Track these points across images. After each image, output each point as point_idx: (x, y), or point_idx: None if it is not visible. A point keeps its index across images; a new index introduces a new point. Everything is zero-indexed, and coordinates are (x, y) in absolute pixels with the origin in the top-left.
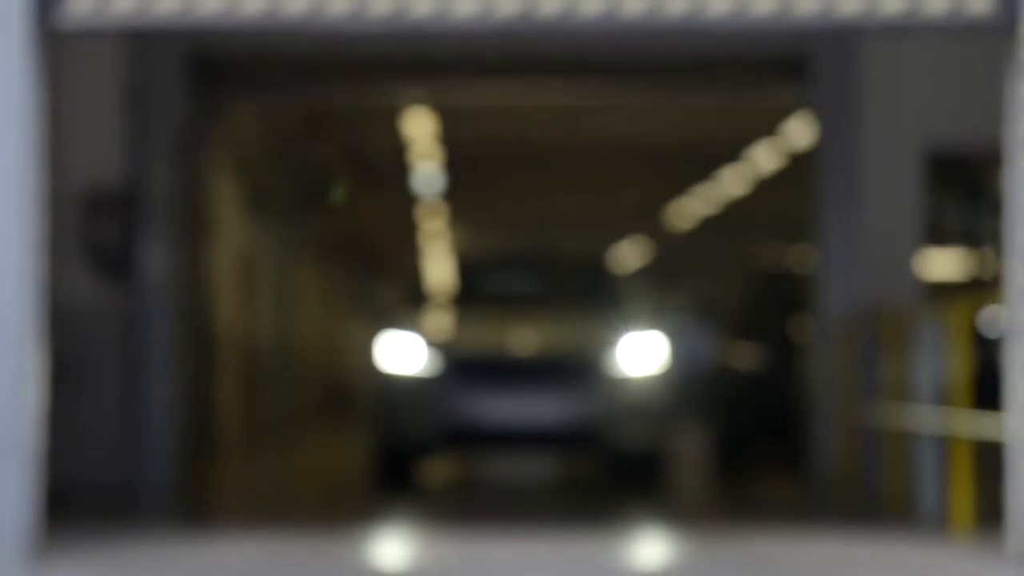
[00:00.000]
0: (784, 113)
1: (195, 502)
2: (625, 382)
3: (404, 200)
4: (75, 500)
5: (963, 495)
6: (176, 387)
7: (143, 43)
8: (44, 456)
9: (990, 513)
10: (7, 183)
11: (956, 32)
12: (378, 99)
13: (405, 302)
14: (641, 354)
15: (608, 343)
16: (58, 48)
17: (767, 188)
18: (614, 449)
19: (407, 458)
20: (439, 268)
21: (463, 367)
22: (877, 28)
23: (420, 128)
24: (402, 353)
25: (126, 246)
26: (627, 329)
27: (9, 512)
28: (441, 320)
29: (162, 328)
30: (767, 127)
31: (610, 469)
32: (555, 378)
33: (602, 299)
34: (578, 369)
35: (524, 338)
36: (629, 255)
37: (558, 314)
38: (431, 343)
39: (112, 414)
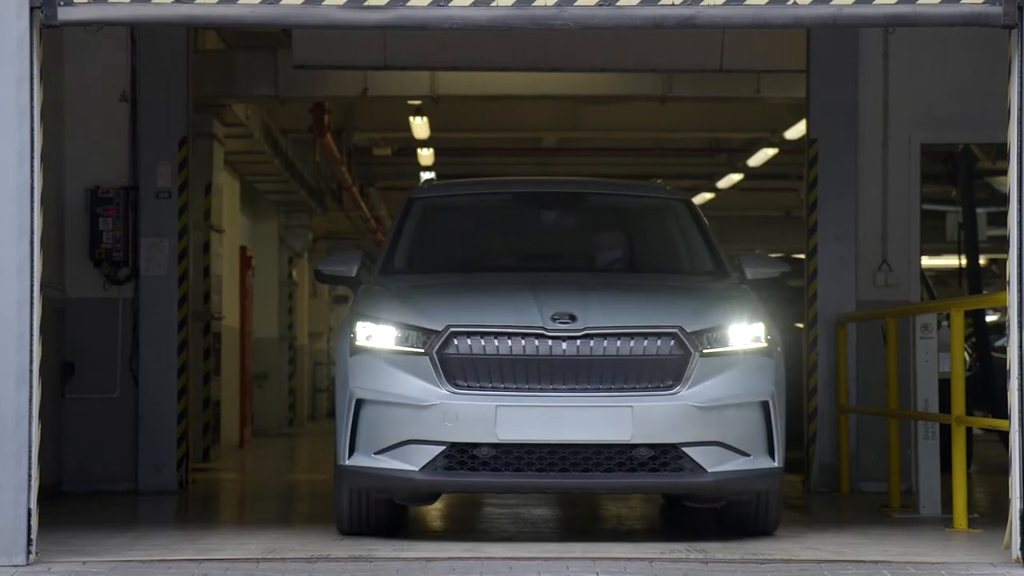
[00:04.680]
0: (783, 109)
1: (195, 501)
2: None
3: (403, 194)
4: (75, 499)
5: (963, 494)
6: (177, 385)
7: (144, 39)
8: (44, 455)
9: (990, 513)
10: (7, 181)
11: (959, 27)
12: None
13: (384, 272)
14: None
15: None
16: (59, 44)
17: (766, 184)
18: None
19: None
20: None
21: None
22: (878, 22)
23: (417, 121)
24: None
25: (127, 244)
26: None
27: (9, 511)
28: (434, 300)
29: (163, 326)
30: (767, 123)
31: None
32: None
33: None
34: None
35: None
36: None
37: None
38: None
39: (112, 413)
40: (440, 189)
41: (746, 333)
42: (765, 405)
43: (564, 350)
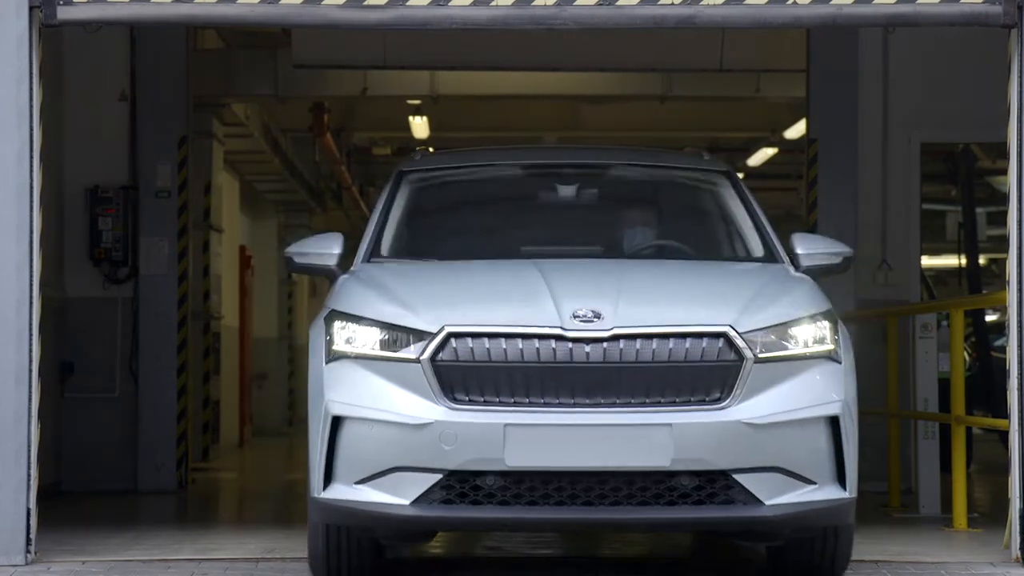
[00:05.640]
0: (783, 109)
1: (195, 501)
2: None
3: None
4: (74, 499)
5: (962, 494)
6: (177, 385)
7: (144, 38)
8: (43, 454)
9: (990, 512)
10: (6, 180)
11: (959, 27)
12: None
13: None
14: None
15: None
16: (59, 44)
17: (765, 183)
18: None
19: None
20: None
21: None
22: (878, 22)
23: (417, 121)
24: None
25: (127, 244)
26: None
27: (8, 511)
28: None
29: (163, 326)
30: (767, 123)
31: None
32: None
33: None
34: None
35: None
36: None
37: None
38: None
39: (112, 412)
40: (436, 160)
41: (809, 332)
42: (834, 421)
43: (587, 355)
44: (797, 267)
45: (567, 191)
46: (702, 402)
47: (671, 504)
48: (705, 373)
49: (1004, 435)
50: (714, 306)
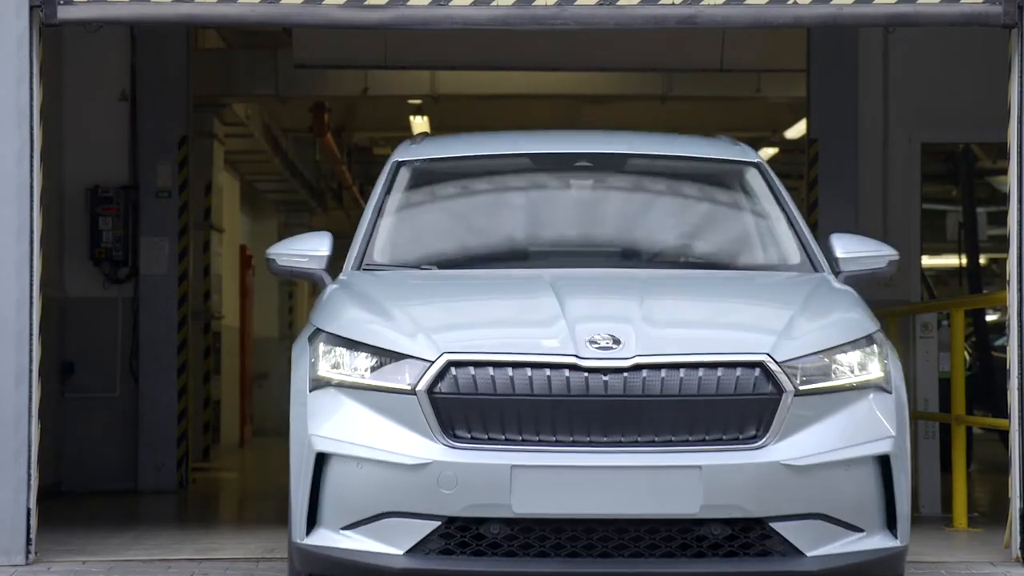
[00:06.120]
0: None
1: (195, 500)
2: None
3: None
4: (74, 498)
5: (963, 494)
6: (177, 385)
7: (144, 38)
8: (43, 454)
9: (990, 512)
10: (6, 180)
11: (959, 27)
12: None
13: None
14: None
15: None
16: (59, 44)
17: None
18: None
19: None
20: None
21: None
22: (878, 22)
23: (418, 121)
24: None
25: (127, 243)
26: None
27: (8, 511)
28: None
29: (163, 326)
30: (767, 122)
31: None
32: None
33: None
34: None
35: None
36: None
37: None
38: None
39: (112, 412)
40: (437, 147)
41: (856, 358)
42: (884, 461)
43: (605, 387)
44: (836, 273)
45: (582, 184)
46: (735, 441)
47: (700, 556)
48: (739, 408)
49: (1004, 435)
50: (749, 329)
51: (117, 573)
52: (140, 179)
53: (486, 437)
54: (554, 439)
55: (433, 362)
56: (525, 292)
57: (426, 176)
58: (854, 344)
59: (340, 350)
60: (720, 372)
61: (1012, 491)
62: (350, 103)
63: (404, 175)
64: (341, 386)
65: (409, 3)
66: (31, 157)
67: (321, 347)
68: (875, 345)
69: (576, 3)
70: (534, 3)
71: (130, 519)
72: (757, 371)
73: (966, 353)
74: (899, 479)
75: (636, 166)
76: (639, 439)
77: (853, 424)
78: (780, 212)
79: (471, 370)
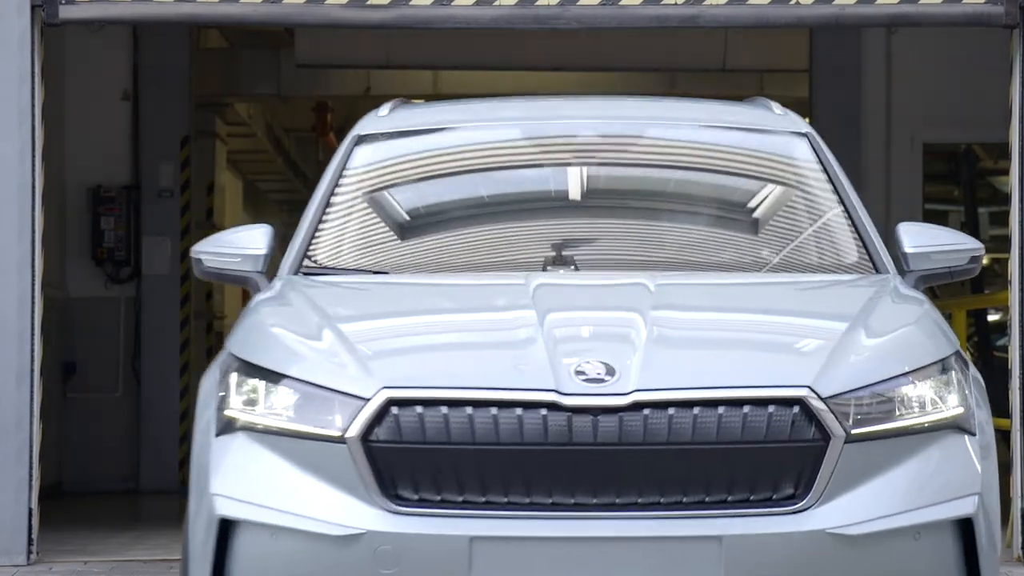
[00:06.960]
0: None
1: None
2: None
3: None
4: (76, 498)
5: None
6: (179, 385)
7: (146, 37)
8: (45, 454)
9: None
10: (8, 180)
11: (961, 27)
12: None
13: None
14: None
15: None
16: (61, 43)
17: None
18: None
19: None
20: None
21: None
22: (880, 22)
23: None
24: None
25: (129, 243)
26: None
27: (10, 511)
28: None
29: (165, 326)
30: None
31: None
32: None
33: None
34: None
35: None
36: None
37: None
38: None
39: (114, 412)
40: (410, 117)
41: (928, 390)
42: (967, 525)
43: (595, 432)
44: (904, 273)
45: (584, 161)
46: (767, 503)
47: None
48: (772, 458)
49: (1005, 435)
50: (787, 352)
51: (119, 573)
52: (142, 179)
53: (438, 499)
54: (527, 502)
55: (369, 399)
56: (497, 305)
57: (392, 155)
58: (925, 371)
59: (254, 382)
60: (747, 411)
61: (1014, 491)
62: (352, 103)
63: (364, 153)
64: (254, 430)
65: (411, 3)
66: (33, 157)
67: (233, 378)
68: (953, 372)
69: (578, 3)
70: (536, 3)
71: (132, 519)
72: (796, 409)
73: (968, 353)
74: (985, 550)
75: (652, 140)
76: (639, 501)
77: (924, 478)
78: (833, 194)
79: (418, 410)
